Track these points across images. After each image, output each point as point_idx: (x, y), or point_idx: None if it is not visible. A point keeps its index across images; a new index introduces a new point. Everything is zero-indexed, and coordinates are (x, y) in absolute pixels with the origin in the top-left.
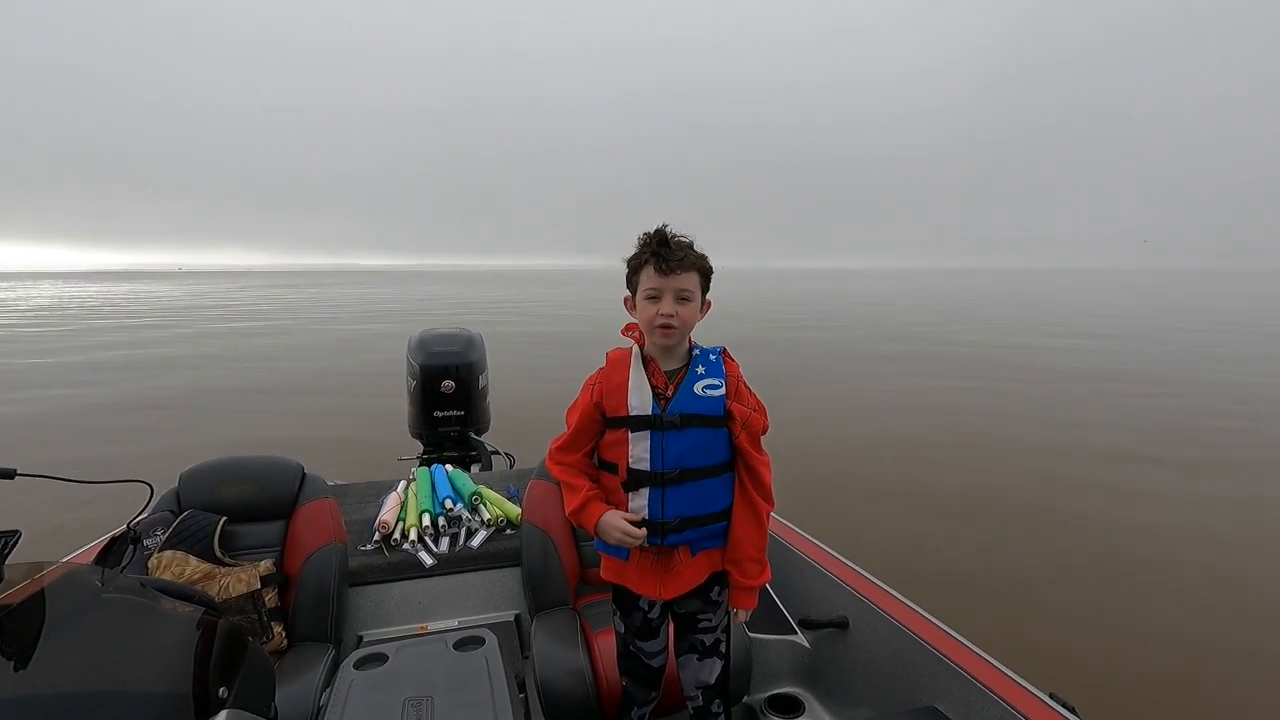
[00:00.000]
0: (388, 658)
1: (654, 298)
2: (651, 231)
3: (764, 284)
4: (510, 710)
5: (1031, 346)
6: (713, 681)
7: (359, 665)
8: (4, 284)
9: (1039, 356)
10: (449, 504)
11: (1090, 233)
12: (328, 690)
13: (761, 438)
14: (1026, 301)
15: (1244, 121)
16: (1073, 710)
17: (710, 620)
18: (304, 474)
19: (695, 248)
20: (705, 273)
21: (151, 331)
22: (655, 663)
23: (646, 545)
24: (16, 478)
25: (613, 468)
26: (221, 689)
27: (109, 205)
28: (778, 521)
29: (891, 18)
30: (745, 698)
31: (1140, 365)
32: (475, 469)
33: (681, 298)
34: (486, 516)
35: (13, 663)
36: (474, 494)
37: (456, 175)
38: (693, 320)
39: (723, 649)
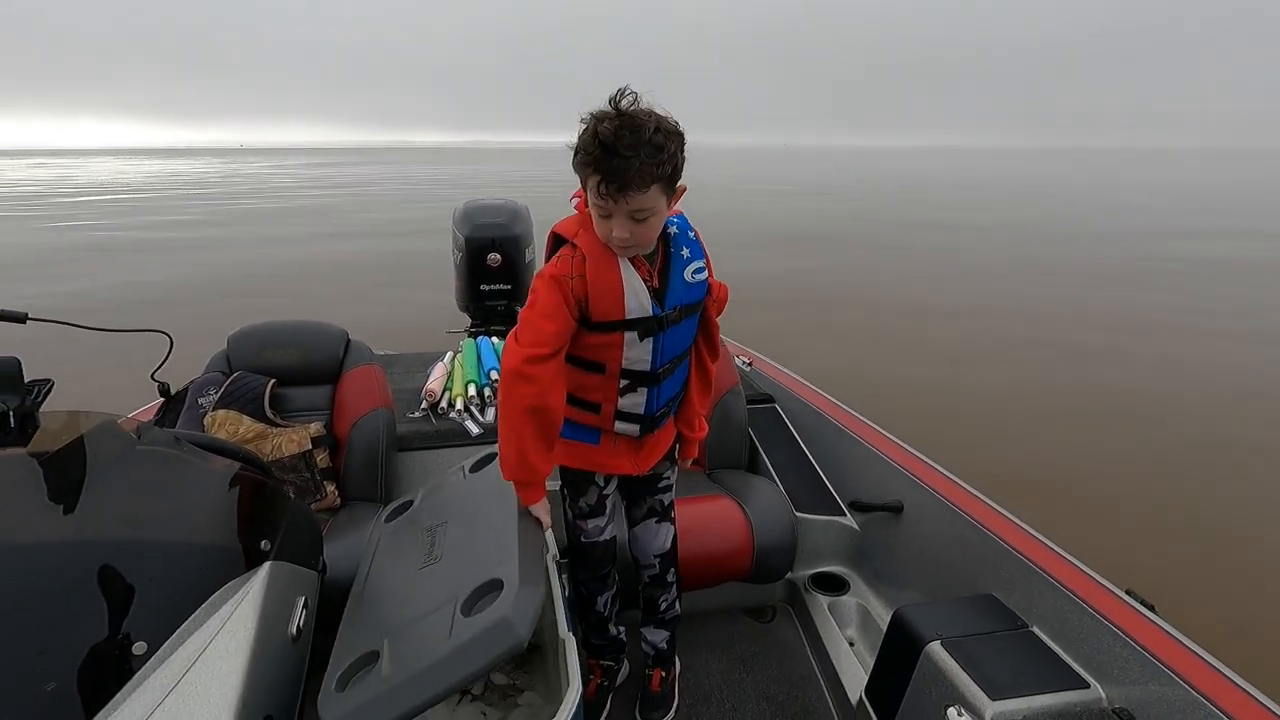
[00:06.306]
0: (413, 502)
1: (605, 216)
2: (599, 114)
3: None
4: (515, 518)
5: None
6: (669, 547)
7: (389, 518)
8: (100, 159)
9: None
10: (494, 375)
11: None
12: None
13: None
14: None
15: None
16: (1152, 608)
17: (669, 479)
18: (348, 340)
19: (664, 128)
20: (671, 179)
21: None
22: (604, 536)
23: (638, 436)
24: (28, 322)
25: (598, 367)
26: (264, 542)
27: (173, 82)
28: (825, 398)
29: None
30: (789, 574)
31: None
32: None
33: (637, 218)
34: None
35: (61, 506)
36: None
37: (525, 49)
38: (654, 234)
39: (673, 513)
